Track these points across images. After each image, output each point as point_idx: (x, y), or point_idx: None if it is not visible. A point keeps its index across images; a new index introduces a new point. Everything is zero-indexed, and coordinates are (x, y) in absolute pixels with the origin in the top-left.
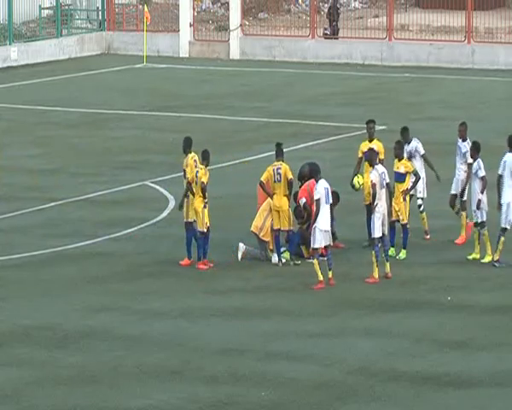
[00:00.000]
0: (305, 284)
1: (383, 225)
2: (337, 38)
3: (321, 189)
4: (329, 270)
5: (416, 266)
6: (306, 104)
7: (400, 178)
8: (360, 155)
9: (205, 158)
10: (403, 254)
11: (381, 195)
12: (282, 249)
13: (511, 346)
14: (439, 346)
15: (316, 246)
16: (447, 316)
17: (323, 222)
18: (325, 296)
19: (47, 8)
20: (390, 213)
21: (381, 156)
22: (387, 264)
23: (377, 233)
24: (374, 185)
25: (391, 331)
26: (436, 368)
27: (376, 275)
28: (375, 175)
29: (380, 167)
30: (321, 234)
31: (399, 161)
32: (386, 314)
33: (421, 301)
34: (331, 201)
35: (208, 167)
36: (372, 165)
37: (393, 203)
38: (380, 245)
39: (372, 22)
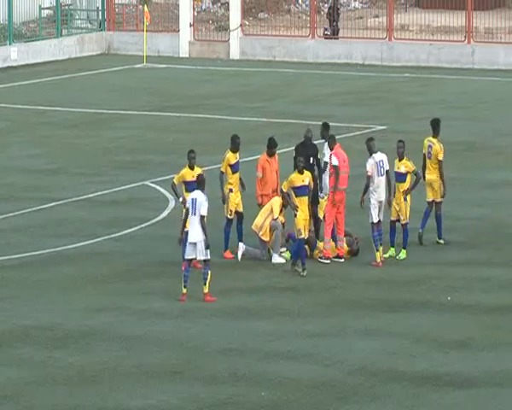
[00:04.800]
0: (305, 284)
1: (380, 211)
2: (337, 38)
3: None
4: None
5: (416, 266)
6: (306, 104)
7: (401, 178)
8: (424, 151)
9: (189, 158)
10: (403, 254)
11: (380, 182)
12: (283, 249)
13: (511, 346)
14: (439, 346)
15: (187, 257)
16: (447, 316)
17: (192, 235)
18: (325, 296)
19: (47, 8)
20: (389, 202)
21: (440, 157)
22: (380, 251)
23: (375, 219)
24: (368, 177)
25: (391, 331)
26: (436, 368)
27: (378, 259)
28: (371, 164)
29: (378, 155)
30: (190, 246)
31: (400, 160)
32: (386, 314)
33: (421, 301)
34: (202, 213)
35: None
36: (371, 153)
37: (394, 203)
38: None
39: (372, 22)
